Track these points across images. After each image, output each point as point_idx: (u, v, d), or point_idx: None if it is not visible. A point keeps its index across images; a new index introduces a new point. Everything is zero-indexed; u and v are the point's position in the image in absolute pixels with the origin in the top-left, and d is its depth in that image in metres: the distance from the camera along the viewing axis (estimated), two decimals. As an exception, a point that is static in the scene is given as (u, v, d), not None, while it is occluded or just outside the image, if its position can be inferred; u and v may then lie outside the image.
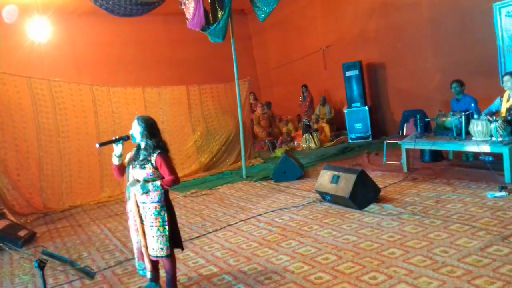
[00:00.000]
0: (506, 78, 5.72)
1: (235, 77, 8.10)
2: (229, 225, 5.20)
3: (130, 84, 9.27)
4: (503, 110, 5.78)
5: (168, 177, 3.32)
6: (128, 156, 3.53)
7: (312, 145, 10.28)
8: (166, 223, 3.37)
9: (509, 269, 3.07)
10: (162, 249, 3.36)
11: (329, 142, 10.56)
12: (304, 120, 11.66)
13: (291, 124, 12.02)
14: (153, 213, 3.37)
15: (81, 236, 5.61)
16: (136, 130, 3.39)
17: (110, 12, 6.98)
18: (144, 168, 3.34)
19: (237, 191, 7.08)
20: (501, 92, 5.95)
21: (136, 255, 3.60)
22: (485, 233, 3.78)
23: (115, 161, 3.48)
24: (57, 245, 5.34)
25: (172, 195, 7.36)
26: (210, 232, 5.02)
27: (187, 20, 7.90)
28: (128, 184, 3.43)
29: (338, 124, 11.38)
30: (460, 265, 3.24)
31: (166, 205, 3.42)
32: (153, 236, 3.38)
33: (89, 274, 2.95)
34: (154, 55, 12.40)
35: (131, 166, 3.45)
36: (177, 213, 5.96)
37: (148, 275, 3.56)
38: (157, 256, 3.41)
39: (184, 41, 12.21)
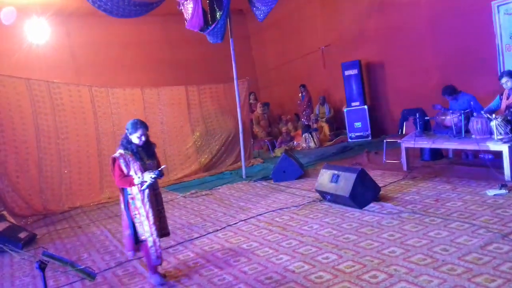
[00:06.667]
0: (505, 79, 5.68)
1: (234, 77, 8.10)
2: (229, 225, 5.19)
3: (129, 85, 9.29)
4: (503, 107, 5.77)
5: None
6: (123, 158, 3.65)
7: (312, 144, 10.28)
8: None
9: (509, 266, 3.07)
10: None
11: (329, 141, 10.57)
12: (302, 120, 11.66)
13: (290, 124, 12.02)
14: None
15: (81, 238, 5.61)
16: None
17: (108, 14, 6.97)
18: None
19: (237, 191, 7.08)
20: (499, 90, 5.95)
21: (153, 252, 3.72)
22: (485, 231, 3.77)
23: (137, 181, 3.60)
24: (57, 247, 5.34)
25: (172, 195, 7.38)
26: (210, 233, 5.01)
27: (186, 20, 7.90)
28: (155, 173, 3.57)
29: (337, 124, 11.39)
30: (460, 263, 3.24)
31: None
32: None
33: (90, 275, 2.94)
34: (153, 56, 12.41)
35: (137, 164, 3.60)
36: (177, 214, 6.08)
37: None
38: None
39: (182, 42, 12.21)
